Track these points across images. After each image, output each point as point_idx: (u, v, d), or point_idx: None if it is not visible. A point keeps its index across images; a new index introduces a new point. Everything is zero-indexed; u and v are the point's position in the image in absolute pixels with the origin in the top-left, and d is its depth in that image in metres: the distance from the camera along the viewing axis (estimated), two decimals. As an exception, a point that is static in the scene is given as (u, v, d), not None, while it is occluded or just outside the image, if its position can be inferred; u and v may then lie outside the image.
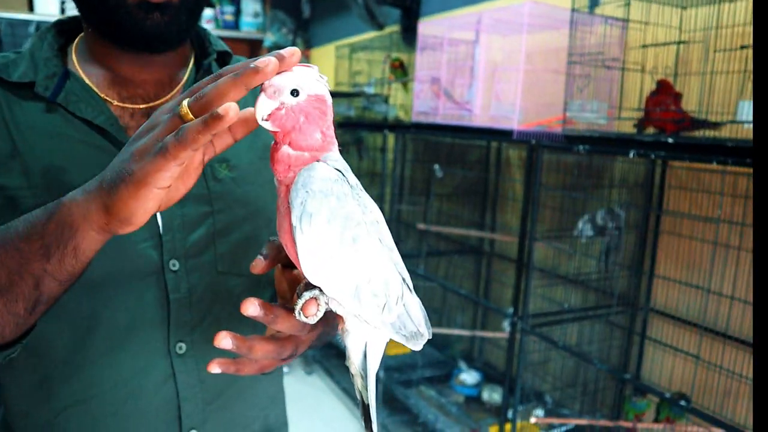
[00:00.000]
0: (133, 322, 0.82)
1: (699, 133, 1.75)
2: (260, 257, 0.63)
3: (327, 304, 0.58)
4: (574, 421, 2.20)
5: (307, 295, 0.58)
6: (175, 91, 0.88)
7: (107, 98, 0.84)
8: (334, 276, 0.55)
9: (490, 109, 2.44)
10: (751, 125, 1.52)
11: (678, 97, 1.90)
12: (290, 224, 0.54)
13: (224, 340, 0.60)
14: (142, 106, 0.85)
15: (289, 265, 0.67)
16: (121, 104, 0.84)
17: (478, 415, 2.69)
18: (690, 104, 1.83)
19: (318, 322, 0.64)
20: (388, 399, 2.98)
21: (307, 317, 0.57)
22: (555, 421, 2.27)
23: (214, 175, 0.86)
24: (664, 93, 1.93)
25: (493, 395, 2.72)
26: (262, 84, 0.54)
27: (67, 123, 0.80)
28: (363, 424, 0.65)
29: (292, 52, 0.52)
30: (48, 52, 0.82)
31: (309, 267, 0.54)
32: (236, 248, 0.88)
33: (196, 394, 0.87)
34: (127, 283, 0.81)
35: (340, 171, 0.57)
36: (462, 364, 2.94)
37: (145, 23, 0.79)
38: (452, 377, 2.93)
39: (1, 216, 0.75)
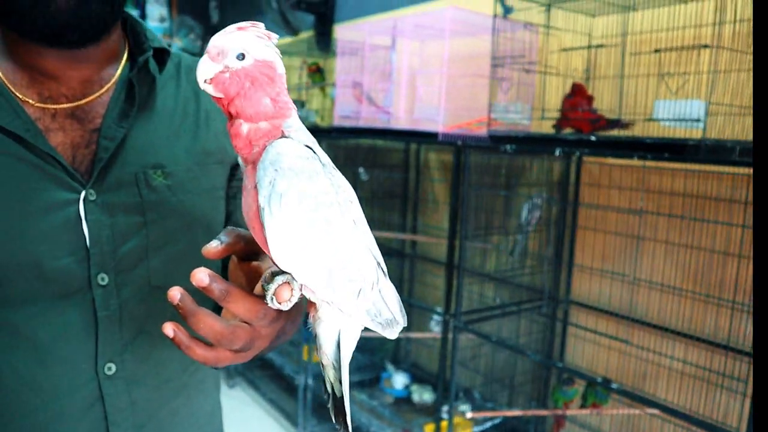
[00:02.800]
0: (56, 341, 0.76)
1: (617, 132, 1.86)
2: (217, 241, 0.57)
3: (301, 289, 0.54)
4: (507, 413, 2.27)
5: (279, 279, 0.54)
6: (105, 89, 0.81)
7: (25, 98, 0.76)
8: (306, 261, 0.52)
9: (413, 113, 2.48)
10: (667, 123, 1.64)
11: (590, 99, 2.02)
12: (258, 205, 0.51)
13: (174, 291, 0.54)
14: (65, 106, 0.78)
15: (247, 258, 0.62)
16: (41, 105, 0.76)
17: (410, 416, 2.72)
18: (607, 104, 1.94)
19: (282, 315, 0.60)
20: (317, 406, 2.95)
21: (280, 303, 0.53)
22: (489, 414, 2.33)
23: (148, 182, 0.80)
24: (579, 95, 2.04)
25: (423, 395, 2.75)
26: (207, 46, 0.52)
27: None
28: (334, 419, 0.61)
29: None
30: None
31: (279, 251, 0.51)
32: (171, 261, 0.82)
33: (126, 418, 0.81)
34: (50, 300, 0.75)
35: (310, 148, 0.54)
36: (390, 367, 2.96)
37: (48, 9, 0.71)
38: (381, 380, 2.95)
39: None
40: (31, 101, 0.76)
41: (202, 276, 0.52)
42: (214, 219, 0.88)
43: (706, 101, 1.45)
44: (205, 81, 0.52)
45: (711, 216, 1.77)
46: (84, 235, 0.75)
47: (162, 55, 0.86)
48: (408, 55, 2.63)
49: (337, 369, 0.59)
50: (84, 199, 0.75)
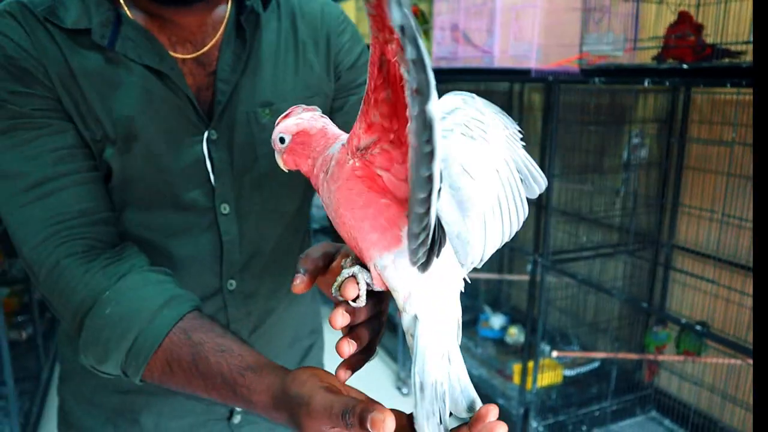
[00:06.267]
0: (189, 260, 0.86)
1: (728, 60, 1.72)
2: (300, 276, 0.62)
3: (368, 283, 0.55)
4: (594, 355, 2.23)
5: (345, 272, 0.55)
6: (218, 34, 0.83)
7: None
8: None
9: (508, 51, 2.42)
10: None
11: (699, 28, 1.87)
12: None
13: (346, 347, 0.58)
14: (193, 55, 0.82)
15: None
16: (172, 51, 0.80)
17: (504, 357, 2.74)
18: (712, 32, 1.80)
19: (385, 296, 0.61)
20: (416, 344, 3.05)
21: (344, 298, 0.55)
22: (575, 354, 2.30)
23: (258, 120, 0.85)
24: (685, 24, 1.89)
25: (519, 337, 2.76)
26: None
27: (128, 71, 0.77)
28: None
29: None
30: None
31: None
32: (281, 187, 0.90)
33: (245, 326, 0.93)
34: (184, 227, 0.85)
35: None
36: (487, 309, 2.99)
37: None
38: (478, 322, 2.98)
39: (94, 167, 0.77)
40: (164, 46, 0.80)
41: (340, 321, 0.56)
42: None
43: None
44: (284, 168, 0.63)
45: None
46: (208, 171, 0.83)
47: None
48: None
49: (414, 364, 0.52)
50: (207, 139, 0.82)
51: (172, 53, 0.79)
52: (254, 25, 0.85)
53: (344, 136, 0.59)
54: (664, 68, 1.73)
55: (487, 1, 2.58)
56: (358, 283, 0.55)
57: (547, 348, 2.34)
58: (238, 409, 0.94)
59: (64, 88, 0.74)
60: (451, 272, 0.55)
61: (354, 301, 0.55)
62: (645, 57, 2.00)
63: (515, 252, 2.97)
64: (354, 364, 0.60)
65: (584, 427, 2.24)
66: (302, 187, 0.93)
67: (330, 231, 0.98)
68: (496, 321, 2.89)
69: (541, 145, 2.20)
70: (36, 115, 0.73)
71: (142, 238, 0.82)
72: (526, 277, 2.52)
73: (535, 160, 0.66)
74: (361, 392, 0.57)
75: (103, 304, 0.69)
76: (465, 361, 0.54)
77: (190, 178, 0.82)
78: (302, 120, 0.61)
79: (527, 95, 2.93)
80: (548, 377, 2.34)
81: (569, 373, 2.42)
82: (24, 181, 0.72)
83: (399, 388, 2.98)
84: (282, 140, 0.61)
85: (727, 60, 1.73)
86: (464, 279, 0.56)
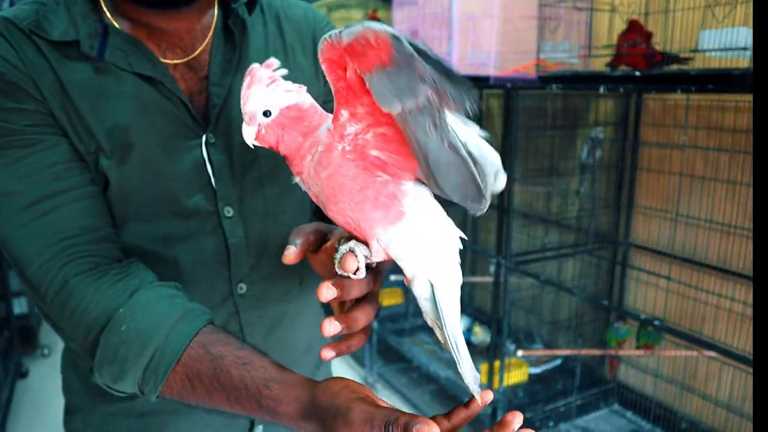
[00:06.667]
0: (196, 266, 0.85)
1: (677, 67, 1.81)
2: (293, 246, 0.65)
3: (366, 256, 0.57)
4: (558, 352, 2.30)
5: (342, 249, 0.57)
6: (207, 39, 0.83)
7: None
8: None
9: (467, 58, 2.48)
10: (713, 54, 1.58)
11: (649, 35, 1.96)
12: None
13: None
14: (184, 60, 0.82)
15: (319, 243, 0.69)
16: (162, 57, 0.79)
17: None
18: (660, 39, 1.89)
19: (379, 271, 0.65)
20: (382, 349, 3.07)
21: (347, 273, 0.57)
22: (540, 353, 2.36)
23: None
24: (635, 32, 1.98)
25: (485, 337, 2.81)
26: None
27: (118, 80, 0.76)
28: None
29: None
30: (83, 6, 0.75)
31: None
32: (283, 189, 0.90)
33: (257, 330, 0.92)
34: (187, 233, 0.84)
35: None
36: (453, 311, 3.03)
37: None
38: (444, 324, 3.02)
39: (91, 180, 0.76)
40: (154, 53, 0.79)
41: (327, 293, 0.60)
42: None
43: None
44: (251, 144, 0.61)
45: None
46: (208, 174, 0.82)
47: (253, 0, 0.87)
48: (463, 1, 2.61)
49: (442, 327, 0.58)
50: (206, 143, 0.81)
51: (162, 59, 0.79)
52: (240, 29, 0.85)
53: (329, 118, 0.60)
54: (617, 75, 1.80)
55: (444, 10, 2.63)
56: (356, 257, 0.57)
57: (512, 347, 2.39)
58: (258, 421, 0.94)
59: (56, 101, 0.73)
60: (450, 233, 0.58)
61: (354, 273, 0.58)
62: (599, 64, 2.08)
63: (478, 254, 3.03)
64: (345, 348, 0.64)
65: (551, 423, 2.31)
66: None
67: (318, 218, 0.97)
68: (462, 322, 2.94)
69: (501, 150, 2.26)
70: (28, 131, 0.71)
71: (146, 249, 0.81)
72: (489, 279, 2.58)
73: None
74: (389, 404, 0.58)
75: (118, 321, 0.69)
76: (432, 363, 0.61)
77: (191, 183, 0.82)
78: (291, 92, 0.61)
79: (486, 101, 3.00)
80: (514, 376, 2.40)
81: (534, 370, 2.49)
82: (21, 199, 0.70)
83: (367, 393, 3.01)
84: (268, 113, 0.59)
85: (676, 66, 1.82)
86: (461, 238, 0.59)
